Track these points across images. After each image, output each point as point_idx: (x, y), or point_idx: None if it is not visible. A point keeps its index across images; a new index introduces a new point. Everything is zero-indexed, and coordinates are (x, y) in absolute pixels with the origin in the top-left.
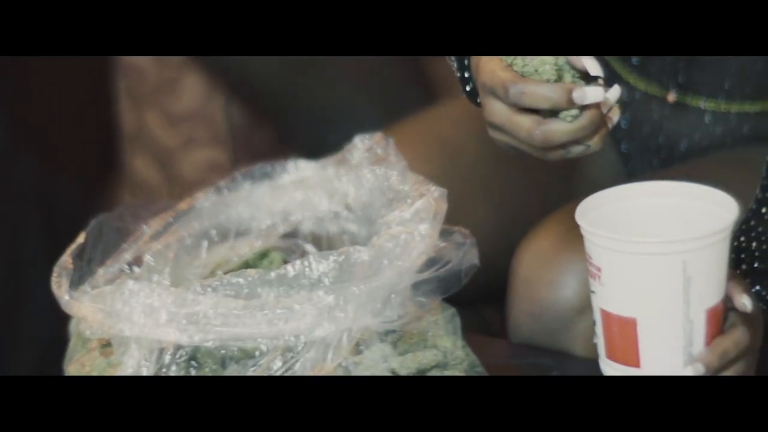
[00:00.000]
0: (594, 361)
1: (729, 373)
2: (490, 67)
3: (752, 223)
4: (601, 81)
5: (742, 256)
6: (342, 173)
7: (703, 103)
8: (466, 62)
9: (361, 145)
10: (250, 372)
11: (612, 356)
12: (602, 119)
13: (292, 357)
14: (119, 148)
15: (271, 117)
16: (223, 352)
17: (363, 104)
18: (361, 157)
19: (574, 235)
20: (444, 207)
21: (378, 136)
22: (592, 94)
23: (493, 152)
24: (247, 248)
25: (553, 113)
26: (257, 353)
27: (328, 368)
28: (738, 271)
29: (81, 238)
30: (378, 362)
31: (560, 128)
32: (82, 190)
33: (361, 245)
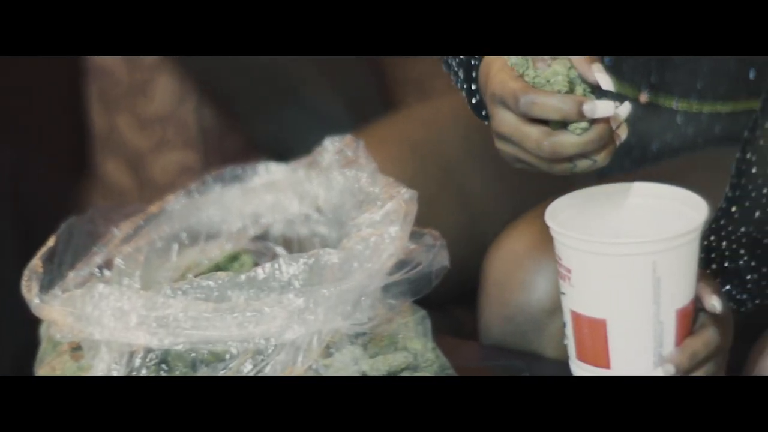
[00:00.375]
0: (565, 363)
1: (699, 373)
2: (501, 78)
3: (722, 222)
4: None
5: (713, 255)
6: (312, 176)
7: (675, 104)
8: (474, 74)
9: (331, 147)
10: (221, 375)
11: (582, 357)
12: (611, 135)
13: (262, 360)
14: (90, 151)
15: (242, 120)
16: (193, 355)
17: (332, 107)
18: (331, 160)
19: (545, 237)
20: (414, 209)
21: (348, 138)
22: (603, 107)
23: (464, 154)
24: (217, 251)
25: (562, 125)
26: (227, 356)
27: (298, 371)
28: (708, 271)
29: (51, 242)
30: (348, 365)
31: (569, 140)
32: (53, 193)
33: (331, 247)
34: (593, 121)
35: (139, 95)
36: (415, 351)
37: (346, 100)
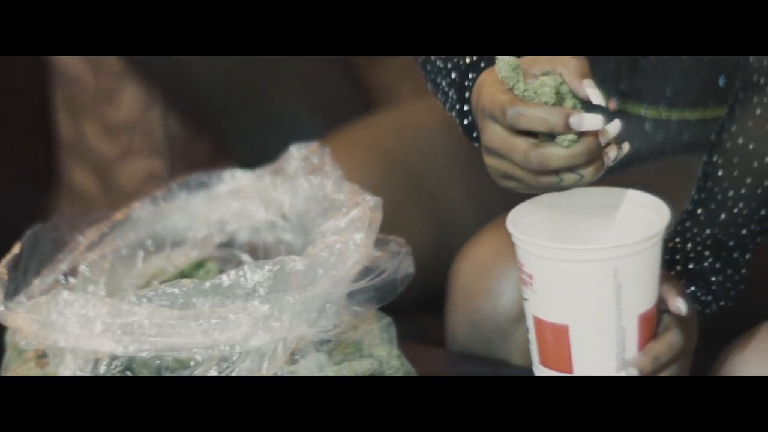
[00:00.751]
0: (530, 369)
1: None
2: (491, 91)
3: (687, 224)
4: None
5: (677, 257)
6: (278, 183)
7: (644, 111)
8: (467, 95)
9: (297, 154)
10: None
11: (545, 363)
12: (599, 151)
13: (227, 367)
14: (57, 159)
15: (209, 127)
16: (158, 362)
17: (300, 113)
18: (296, 167)
19: (512, 245)
20: (379, 216)
21: (314, 145)
22: (590, 121)
23: (431, 161)
24: (183, 258)
25: (551, 138)
26: (192, 363)
27: None
28: (672, 273)
29: (16, 249)
30: (313, 372)
31: (556, 153)
32: (19, 200)
33: (297, 254)
34: (581, 135)
35: (106, 102)
36: (381, 358)
37: (315, 107)
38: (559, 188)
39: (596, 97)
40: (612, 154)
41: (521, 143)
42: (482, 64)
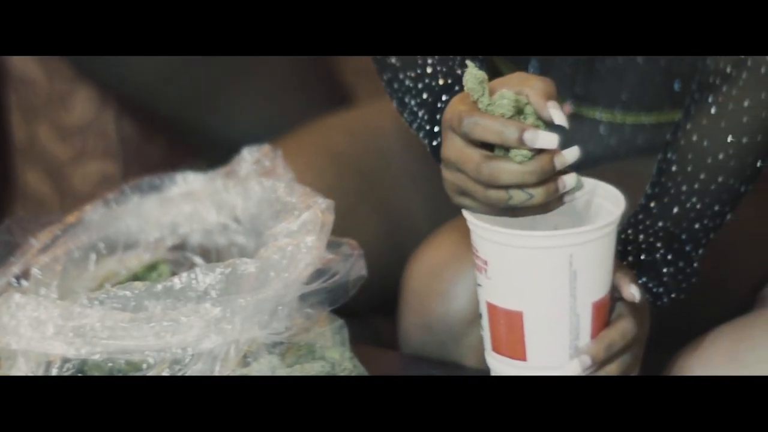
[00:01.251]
0: (485, 373)
1: (616, 364)
2: (454, 103)
3: (640, 216)
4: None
5: (629, 248)
6: (230, 185)
7: (599, 114)
8: (438, 117)
9: (249, 157)
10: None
11: (498, 349)
12: (552, 173)
13: (179, 369)
14: (11, 162)
15: (162, 129)
16: (110, 365)
17: (256, 116)
18: (249, 170)
19: (465, 247)
20: (331, 219)
21: (266, 148)
22: (545, 138)
23: (384, 163)
24: (135, 261)
25: (506, 153)
26: (145, 366)
27: None
28: (625, 263)
29: None
30: (265, 374)
31: (507, 167)
32: None
33: (249, 257)
34: (538, 154)
35: (59, 105)
36: (333, 360)
37: (270, 109)
38: (508, 206)
39: (559, 118)
40: (570, 184)
41: (475, 155)
42: (456, 88)
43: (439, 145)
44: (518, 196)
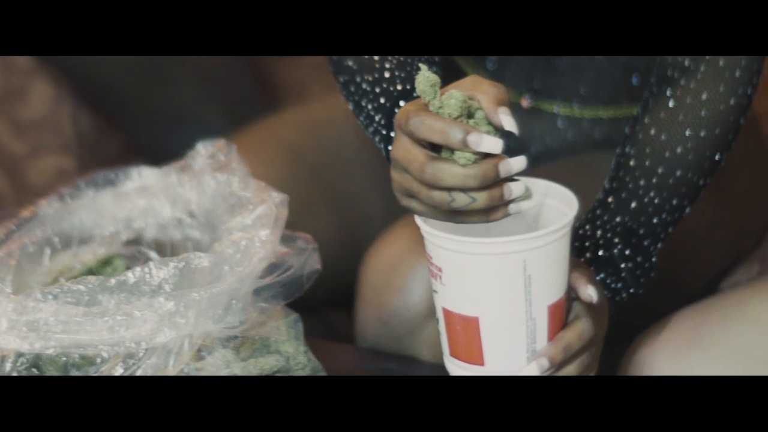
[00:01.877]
0: (440, 367)
1: (574, 365)
2: (407, 105)
3: (598, 212)
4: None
5: (587, 244)
6: (185, 180)
7: (556, 108)
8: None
9: (203, 151)
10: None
11: (456, 354)
12: (496, 179)
13: (133, 363)
14: None
15: (119, 124)
16: (64, 359)
17: (211, 111)
18: (203, 164)
19: (422, 242)
20: (285, 213)
21: (220, 142)
22: (489, 142)
23: (339, 158)
24: (90, 255)
25: (452, 155)
26: (99, 360)
27: (170, 374)
28: (582, 259)
29: None
30: (220, 368)
31: (450, 169)
32: None
33: (204, 251)
34: (484, 158)
35: (16, 100)
36: (288, 354)
37: (225, 104)
38: (451, 209)
39: (509, 124)
40: (516, 192)
41: (420, 155)
42: (414, 94)
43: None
44: (460, 199)
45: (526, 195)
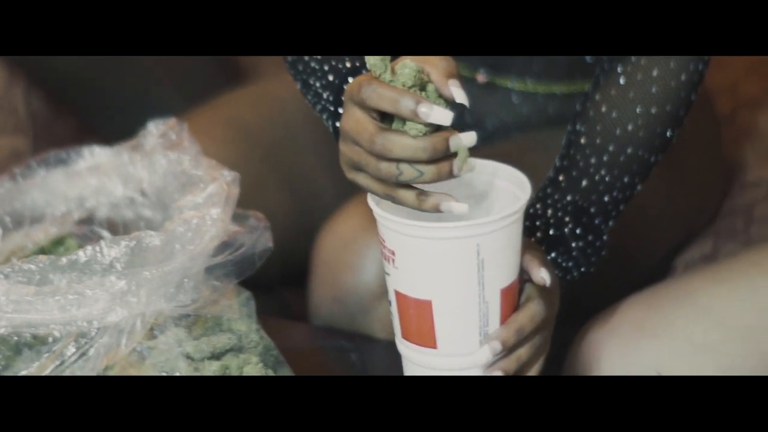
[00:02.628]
0: (393, 344)
1: (526, 348)
2: (358, 77)
3: (548, 190)
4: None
5: (537, 223)
6: (136, 159)
7: (510, 83)
8: (343, 97)
9: (155, 130)
10: (44, 358)
11: (408, 337)
12: (445, 153)
13: (85, 343)
14: None
15: (72, 104)
16: (16, 338)
17: (165, 90)
18: (154, 143)
19: (375, 220)
20: (236, 191)
21: (171, 121)
22: (439, 113)
23: (292, 136)
24: (42, 235)
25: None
26: (50, 339)
27: (122, 353)
28: (533, 239)
29: None
30: (172, 346)
31: (400, 140)
32: None
33: (156, 230)
34: (435, 131)
35: None
36: (240, 332)
37: (180, 83)
38: (398, 182)
39: (460, 96)
40: (458, 167)
41: (370, 125)
42: (363, 71)
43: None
44: (408, 172)
45: (471, 167)
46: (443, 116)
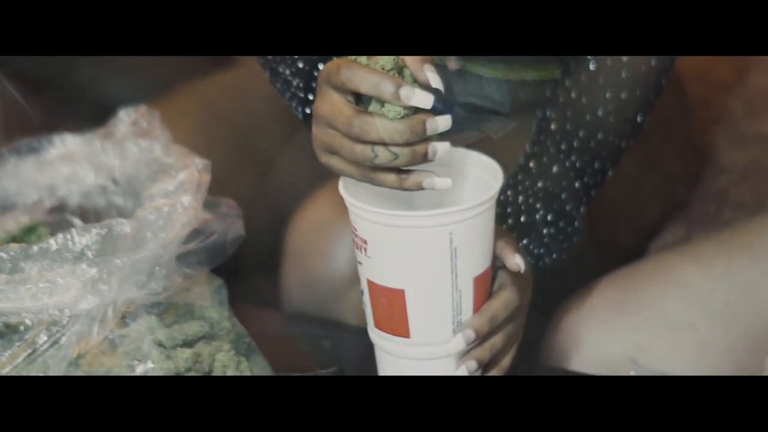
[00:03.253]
0: (364, 330)
1: (500, 335)
2: (334, 60)
3: (519, 177)
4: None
5: (509, 210)
6: (107, 147)
7: (482, 70)
8: (313, 84)
9: (126, 118)
10: (16, 347)
11: (380, 326)
12: (422, 137)
13: (57, 331)
14: None
15: (44, 93)
16: None
17: (137, 78)
18: (126, 131)
19: (346, 207)
20: (208, 178)
21: (142, 109)
22: (420, 96)
23: (263, 123)
24: (13, 223)
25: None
26: (22, 328)
27: (94, 341)
28: (504, 226)
29: None
30: (144, 334)
31: (378, 123)
32: None
33: (127, 218)
34: (413, 114)
35: None
36: (212, 320)
37: (153, 68)
38: (373, 165)
39: (435, 80)
40: (433, 150)
41: (347, 109)
42: (333, 58)
43: (312, 112)
44: (383, 155)
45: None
46: (424, 99)
